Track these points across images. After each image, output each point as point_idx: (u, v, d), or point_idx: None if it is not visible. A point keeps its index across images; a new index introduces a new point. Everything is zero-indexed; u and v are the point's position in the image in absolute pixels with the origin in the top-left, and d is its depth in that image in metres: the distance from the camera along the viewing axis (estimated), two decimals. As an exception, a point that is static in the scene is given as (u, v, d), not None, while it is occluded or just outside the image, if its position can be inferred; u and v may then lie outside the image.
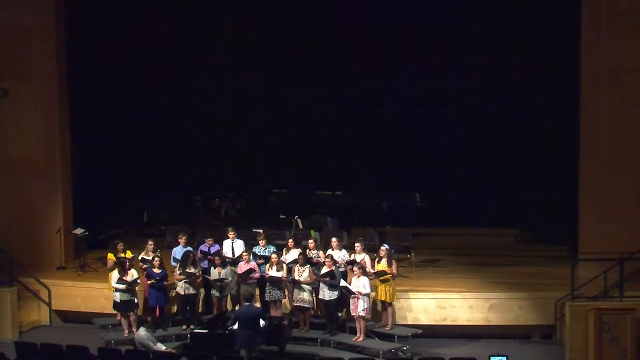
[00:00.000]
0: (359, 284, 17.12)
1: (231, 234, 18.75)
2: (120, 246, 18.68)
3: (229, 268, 18.17)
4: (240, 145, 24.41)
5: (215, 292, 18.23)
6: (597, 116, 19.00)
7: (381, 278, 17.43)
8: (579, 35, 19.07)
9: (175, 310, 18.63)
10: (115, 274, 17.98)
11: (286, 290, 18.11)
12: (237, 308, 17.56)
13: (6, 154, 21.07)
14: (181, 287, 18.06)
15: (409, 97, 23.31)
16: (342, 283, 17.29)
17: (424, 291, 18.44)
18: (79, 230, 21.16)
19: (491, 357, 14.74)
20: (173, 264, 18.41)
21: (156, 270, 18.00)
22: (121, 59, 22.99)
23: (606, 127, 18.94)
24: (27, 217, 20.98)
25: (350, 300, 17.26)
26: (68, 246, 21.25)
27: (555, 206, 21.69)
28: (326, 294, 17.48)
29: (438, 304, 18.13)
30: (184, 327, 18.07)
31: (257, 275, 17.98)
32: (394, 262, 17.63)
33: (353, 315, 17.36)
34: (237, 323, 16.21)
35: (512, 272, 19.72)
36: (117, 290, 17.88)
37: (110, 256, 18.77)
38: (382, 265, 17.48)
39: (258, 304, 17.60)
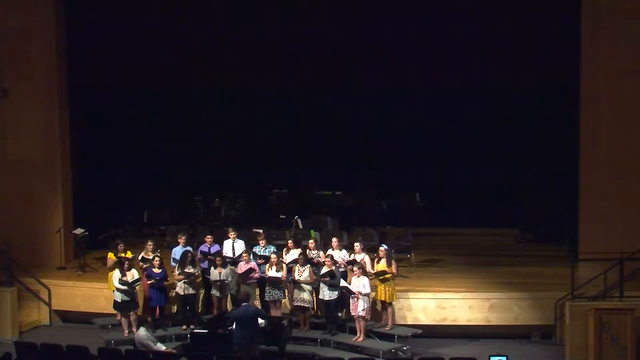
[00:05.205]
0: (359, 284, 17.12)
1: (232, 234, 18.75)
2: (121, 246, 18.68)
3: (229, 268, 18.18)
4: (240, 145, 24.39)
5: (215, 292, 18.23)
6: (597, 116, 19.00)
7: (381, 278, 17.43)
8: (579, 35, 19.07)
9: (175, 310, 18.63)
10: (116, 274, 17.98)
11: (286, 290, 18.11)
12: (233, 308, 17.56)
13: (6, 154, 21.08)
14: (180, 287, 18.05)
15: (409, 98, 23.30)
16: (342, 283, 17.28)
17: (424, 291, 18.43)
18: (79, 230, 21.13)
19: (491, 357, 14.70)
20: (173, 264, 18.41)
21: (156, 270, 18.00)
22: (121, 59, 22.98)
23: (606, 127, 18.95)
24: (27, 217, 20.97)
25: (350, 300, 17.25)
26: (68, 246, 21.25)
27: (555, 206, 21.67)
28: (326, 294, 17.47)
29: (438, 304, 18.12)
30: (184, 327, 18.06)
31: (257, 275, 17.98)
32: (393, 262, 17.61)
33: (353, 315, 17.35)
34: (234, 323, 16.18)
35: (512, 272, 19.72)
36: (118, 290, 17.88)
37: (111, 256, 18.75)
38: (382, 266, 17.47)
39: (257, 303, 17.61)
